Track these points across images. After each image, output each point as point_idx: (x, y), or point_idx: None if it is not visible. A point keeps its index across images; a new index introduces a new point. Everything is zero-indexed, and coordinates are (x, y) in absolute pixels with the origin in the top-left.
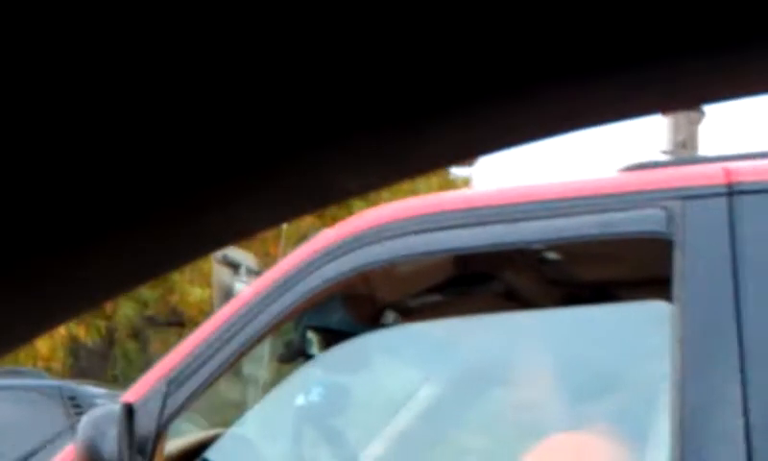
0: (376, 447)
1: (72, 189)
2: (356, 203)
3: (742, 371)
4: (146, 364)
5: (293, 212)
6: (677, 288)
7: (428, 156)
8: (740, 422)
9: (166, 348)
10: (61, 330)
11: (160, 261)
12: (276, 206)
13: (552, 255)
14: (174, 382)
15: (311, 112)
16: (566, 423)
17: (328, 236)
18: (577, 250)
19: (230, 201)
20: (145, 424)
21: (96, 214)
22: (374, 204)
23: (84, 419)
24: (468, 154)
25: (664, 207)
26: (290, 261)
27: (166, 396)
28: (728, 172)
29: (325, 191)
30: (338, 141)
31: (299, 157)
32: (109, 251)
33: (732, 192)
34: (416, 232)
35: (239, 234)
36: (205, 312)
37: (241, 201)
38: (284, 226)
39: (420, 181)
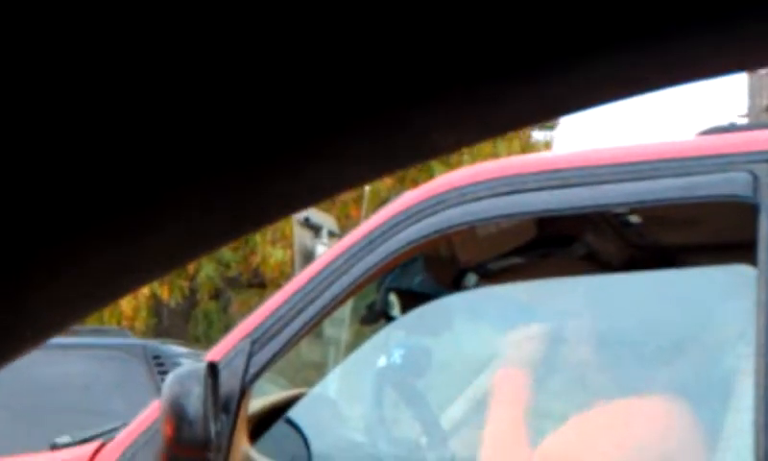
0: (457, 408)
1: (157, 146)
2: (437, 167)
3: None
4: (227, 325)
5: (384, 169)
6: (761, 253)
7: (519, 113)
8: None
9: (247, 309)
10: (144, 290)
11: (244, 221)
12: (371, 161)
13: (634, 218)
14: (258, 342)
15: (405, 67)
16: (646, 387)
17: (411, 199)
18: (659, 213)
19: (322, 157)
20: (229, 383)
21: (180, 174)
22: (454, 167)
23: (170, 377)
24: (555, 112)
25: (749, 171)
26: (373, 223)
27: (250, 355)
28: None
29: (417, 147)
30: (433, 97)
31: (392, 114)
32: (195, 210)
33: None
34: (498, 195)
35: (327, 192)
36: (286, 274)
37: (331, 157)
38: (366, 189)
39: (501, 145)
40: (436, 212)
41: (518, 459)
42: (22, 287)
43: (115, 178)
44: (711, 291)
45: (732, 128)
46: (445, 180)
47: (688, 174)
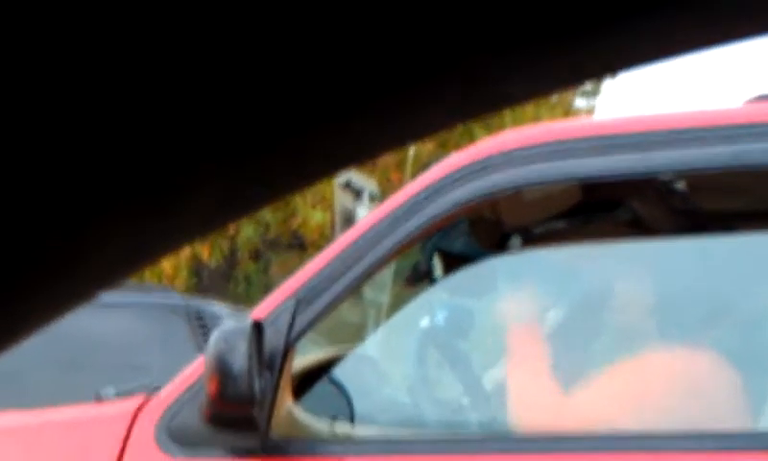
0: (499, 369)
1: (199, 109)
2: (478, 131)
3: None
4: (266, 285)
5: (457, 118)
6: None
7: (588, 66)
8: None
9: (286, 270)
10: (185, 250)
11: (286, 182)
12: (444, 110)
13: (680, 185)
14: (302, 301)
15: (484, 12)
16: (687, 352)
17: (456, 162)
18: (706, 180)
19: (366, 118)
20: (273, 341)
21: (224, 136)
22: (496, 131)
23: (215, 334)
24: (613, 67)
25: None
26: (418, 185)
27: (295, 314)
28: None
29: (491, 96)
30: (510, 44)
31: (468, 62)
32: (236, 172)
33: None
34: (544, 159)
35: (374, 153)
36: (326, 236)
37: (375, 119)
38: (409, 153)
39: (543, 109)
40: (481, 176)
41: (539, 403)
42: (75, 253)
43: (152, 146)
44: (755, 258)
45: None
46: (491, 143)
47: (736, 141)
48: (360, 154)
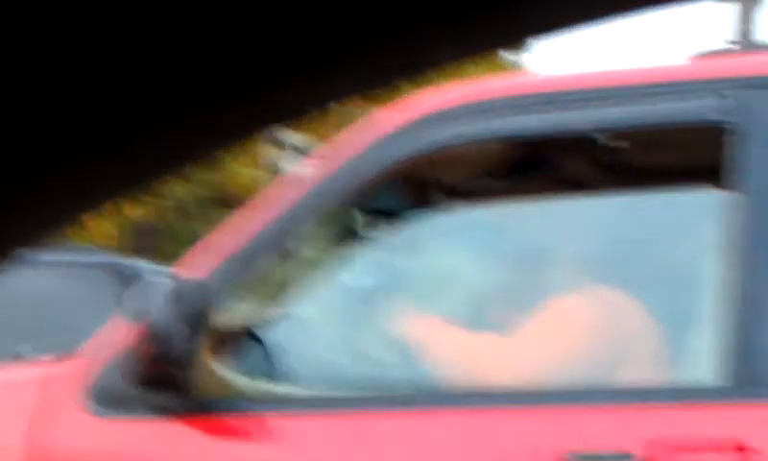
0: (426, 327)
1: (126, 66)
2: (407, 87)
3: None
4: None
5: (378, 83)
6: (740, 178)
7: (512, 29)
8: None
9: (217, 228)
10: (113, 208)
11: (215, 140)
12: (364, 74)
13: (614, 142)
14: (230, 259)
15: None
16: (610, 307)
17: (387, 119)
18: (640, 137)
19: (300, 75)
20: (199, 300)
21: (151, 93)
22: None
23: (140, 294)
24: (551, 28)
25: (731, 96)
26: (349, 143)
27: (222, 272)
28: None
29: (414, 61)
30: (436, 13)
31: (393, 27)
32: (163, 129)
33: None
34: (475, 117)
35: (308, 110)
36: (257, 193)
37: (308, 77)
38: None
39: (479, 68)
40: (411, 133)
41: (458, 360)
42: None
43: (90, 97)
44: (687, 214)
45: (718, 52)
46: (419, 101)
47: (670, 99)
48: (283, 116)
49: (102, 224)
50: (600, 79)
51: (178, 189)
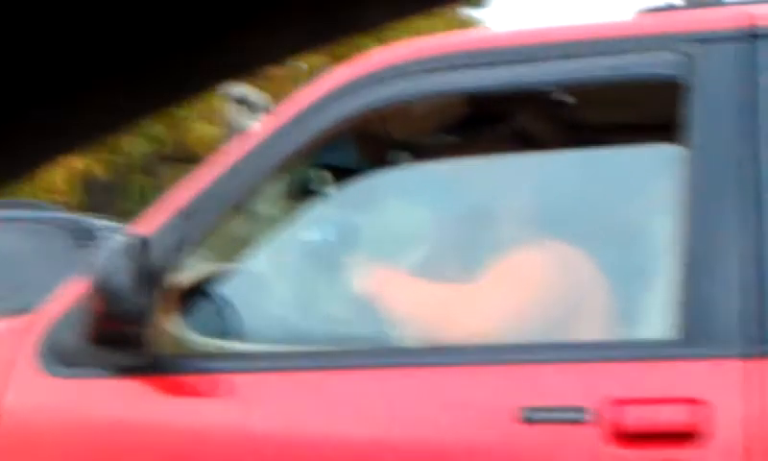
0: (385, 283)
1: (76, 20)
2: (371, 45)
3: (752, 216)
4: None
5: (320, 41)
6: (691, 133)
7: None
8: (747, 266)
9: (178, 184)
10: (77, 165)
11: (173, 92)
12: (308, 32)
13: (567, 98)
14: (187, 216)
15: None
16: (572, 262)
17: (343, 74)
18: (591, 93)
19: (252, 29)
20: (157, 257)
21: (106, 44)
22: (388, 44)
23: (98, 251)
24: None
25: (682, 51)
26: (303, 99)
27: (179, 229)
28: (750, 16)
29: (354, 21)
30: None
31: None
32: (116, 82)
33: (755, 36)
34: (431, 72)
35: (261, 65)
36: (217, 150)
37: (261, 30)
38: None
39: (424, 23)
40: (368, 88)
41: (414, 316)
42: None
43: (42, 49)
44: (639, 170)
45: (667, 8)
46: (378, 56)
47: (621, 54)
48: (236, 71)
49: (67, 180)
50: (552, 35)
51: (136, 146)
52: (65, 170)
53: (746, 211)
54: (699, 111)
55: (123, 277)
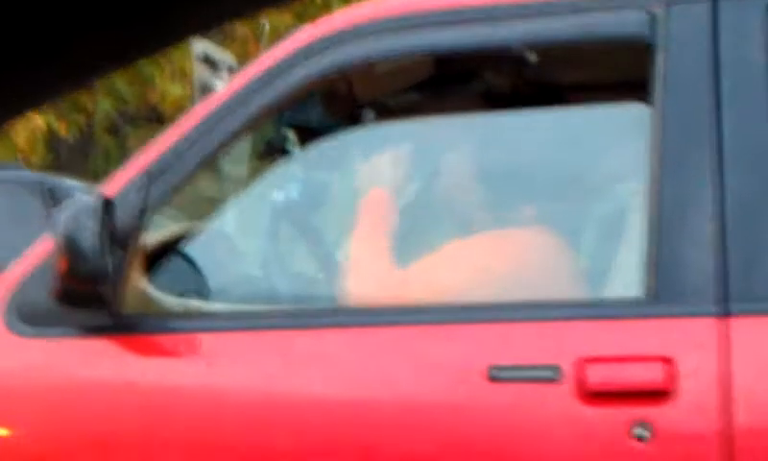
0: (350, 243)
1: None
2: (337, 4)
3: (719, 175)
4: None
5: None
6: (657, 92)
7: None
8: (715, 224)
9: (145, 145)
10: (41, 125)
11: (134, 47)
12: None
13: (532, 57)
14: (153, 176)
15: None
16: (528, 221)
17: (308, 34)
18: (558, 52)
19: None
20: (124, 217)
21: (65, 4)
22: (355, 4)
23: (64, 211)
24: None
25: (648, 11)
26: (269, 58)
27: (146, 189)
28: None
29: None
30: None
31: None
32: (82, 35)
33: None
34: (396, 31)
35: (219, 20)
36: (184, 110)
37: None
38: (266, 26)
39: None
40: (334, 48)
41: (381, 275)
42: None
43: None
44: (605, 129)
45: None
46: (344, 15)
47: (588, 12)
48: (197, 27)
49: (32, 140)
50: None
51: (106, 105)
52: (27, 130)
53: (712, 170)
54: (665, 70)
55: (87, 236)
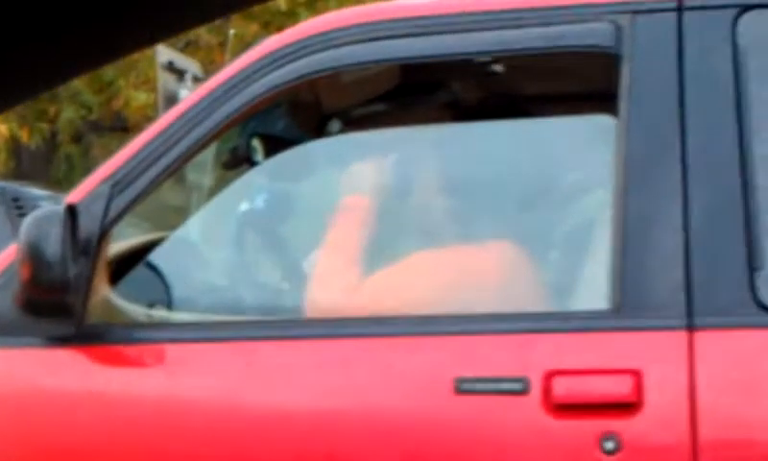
0: (318, 253)
1: None
2: (303, 13)
3: (684, 187)
4: (89, 169)
5: (235, 6)
6: (623, 103)
7: None
8: (680, 237)
9: (109, 153)
10: (4, 132)
11: (97, 51)
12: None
13: (498, 68)
14: (118, 185)
15: None
16: (495, 234)
17: (275, 43)
18: (524, 62)
19: None
20: (88, 226)
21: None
22: (321, 14)
23: (28, 219)
24: None
25: (613, 22)
26: (236, 67)
27: (110, 198)
28: None
29: None
30: None
31: None
32: (45, 39)
33: (682, 8)
34: (362, 41)
35: (182, 25)
36: (149, 118)
37: None
38: (231, 34)
39: None
40: (300, 57)
41: (345, 285)
42: None
43: None
44: (572, 141)
45: None
46: (310, 24)
47: (553, 23)
48: (158, 33)
49: None
50: (484, 4)
51: (69, 112)
52: None
53: (677, 182)
54: (630, 82)
55: (51, 245)
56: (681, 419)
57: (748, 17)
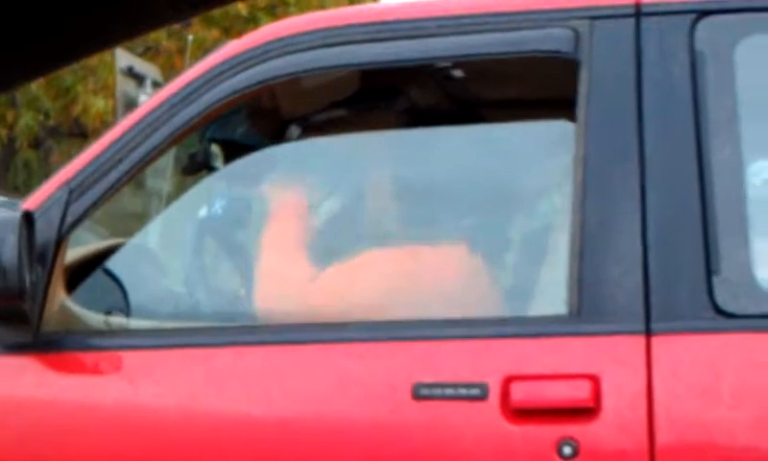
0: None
1: None
2: (264, 19)
3: (641, 192)
4: (47, 174)
5: (189, 12)
6: (581, 109)
7: None
8: (638, 242)
9: (68, 158)
10: None
11: (53, 55)
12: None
13: (457, 73)
14: (75, 191)
15: None
16: (457, 237)
17: (234, 48)
18: (482, 67)
19: None
20: (45, 233)
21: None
22: (281, 19)
23: None
24: None
25: (571, 27)
26: (194, 72)
27: (67, 204)
28: None
29: None
30: None
31: None
32: (5, 41)
33: (640, 13)
34: (322, 46)
35: (140, 29)
36: (108, 124)
37: None
38: (190, 39)
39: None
40: (259, 62)
41: (293, 283)
42: None
43: None
44: (530, 146)
45: None
46: (270, 29)
47: (511, 29)
48: (115, 37)
49: None
50: (443, 9)
51: (28, 118)
52: None
53: (635, 187)
54: (588, 87)
55: (6, 251)
56: (638, 424)
57: (706, 23)
